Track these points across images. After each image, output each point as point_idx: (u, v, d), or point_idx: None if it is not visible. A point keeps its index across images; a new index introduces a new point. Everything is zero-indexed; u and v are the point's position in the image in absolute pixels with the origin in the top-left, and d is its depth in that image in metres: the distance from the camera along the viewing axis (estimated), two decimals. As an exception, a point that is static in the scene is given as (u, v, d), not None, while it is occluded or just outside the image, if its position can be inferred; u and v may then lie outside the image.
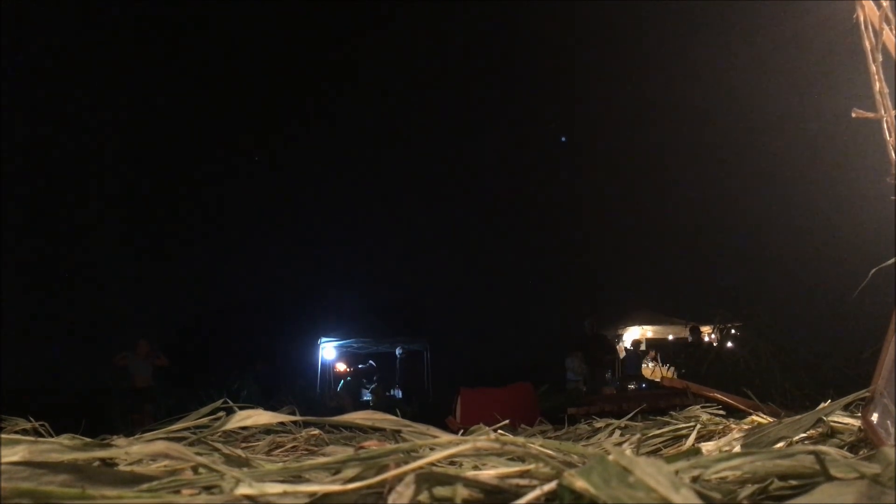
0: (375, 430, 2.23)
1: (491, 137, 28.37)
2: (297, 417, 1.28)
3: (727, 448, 1.67)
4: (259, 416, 1.23)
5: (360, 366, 18.78)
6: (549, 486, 0.79)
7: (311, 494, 0.82)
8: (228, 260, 24.83)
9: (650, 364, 16.69)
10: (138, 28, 22.62)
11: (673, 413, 2.74)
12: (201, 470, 1.01)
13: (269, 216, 27.16)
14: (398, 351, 17.93)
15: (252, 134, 25.90)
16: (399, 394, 17.52)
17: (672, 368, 12.79)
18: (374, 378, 18.46)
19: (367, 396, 17.42)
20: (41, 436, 1.93)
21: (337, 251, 27.38)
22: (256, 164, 26.72)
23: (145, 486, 0.86)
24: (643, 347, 18.02)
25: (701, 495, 0.68)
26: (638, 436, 2.11)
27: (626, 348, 18.46)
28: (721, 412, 2.59)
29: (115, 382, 11.89)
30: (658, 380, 12.30)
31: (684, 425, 2.18)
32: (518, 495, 0.79)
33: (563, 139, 27.47)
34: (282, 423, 2.33)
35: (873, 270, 2.02)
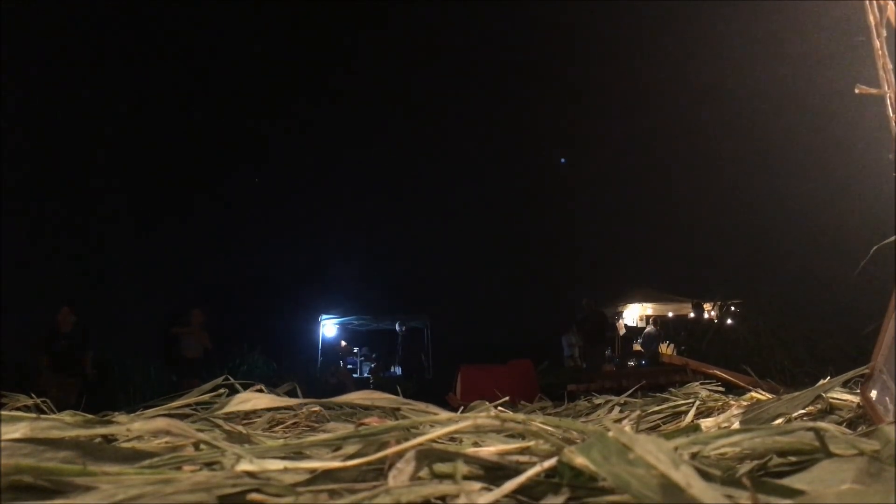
0: (377, 408, 2.24)
1: (489, 121, 28.26)
2: (296, 400, 1.28)
3: (726, 425, 1.67)
4: (258, 400, 1.23)
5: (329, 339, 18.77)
6: (549, 463, 0.79)
7: (312, 471, 0.82)
8: (229, 238, 24.81)
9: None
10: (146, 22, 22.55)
11: (672, 390, 2.75)
12: (202, 446, 1.01)
13: (271, 195, 27.12)
14: (398, 326, 17.90)
15: (253, 116, 25.82)
16: (399, 371, 17.55)
17: (672, 345, 12.84)
18: (356, 350, 18.52)
19: (366, 373, 17.54)
20: (42, 412, 1.94)
21: (338, 228, 27.36)
22: (257, 145, 26.65)
23: (146, 462, 0.87)
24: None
25: (700, 472, 0.68)
26: (637, 412, 2.12)
27: (626, 325, 18.53)
28: (720, 389, 2.60)
29: (166, 353, 11.66)
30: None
31: (684, 402, 2.19)
32: (518, 472, 0.79)
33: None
34: (282, 400, 2.34)
35: (875, 248, 2.02)
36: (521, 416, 1.01)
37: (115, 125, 22.17)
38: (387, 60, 27.04)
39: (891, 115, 1.91)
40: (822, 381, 1.87)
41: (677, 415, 2.05)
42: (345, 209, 27.78)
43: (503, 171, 28.21)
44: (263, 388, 2.38)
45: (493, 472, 0.85)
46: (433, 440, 0.88)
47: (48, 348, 9.54)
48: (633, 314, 19.33)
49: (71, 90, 20.66)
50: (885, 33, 1.95)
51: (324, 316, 19.18)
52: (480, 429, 0.97)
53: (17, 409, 2.05)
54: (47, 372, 9.33)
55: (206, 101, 24.99)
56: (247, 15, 24.48)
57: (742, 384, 3.57)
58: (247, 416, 2.20)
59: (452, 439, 1.16)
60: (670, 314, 18.87)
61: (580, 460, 0.73)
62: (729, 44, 18.84)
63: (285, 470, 0.81)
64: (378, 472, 0.83)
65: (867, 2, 1.98)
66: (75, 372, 9.53)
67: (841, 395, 1.75)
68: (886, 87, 1.92)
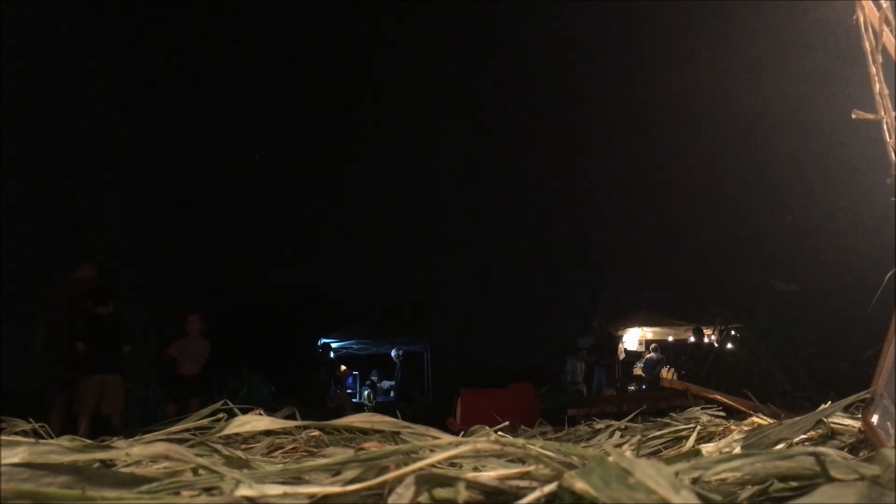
0: (376, 431, 2.23)
1: (491, 136, 28.41)
2: (295, 423, 1.28)
3: (727, 449, 1.66)
4: (258, 422, 1.23)
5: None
6: (550, 488, 0.79)
7: (312, 496, 0.82)
8: (229, 260, 24.79)
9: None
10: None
11: (673, 414, 2.73)
12: (201, 471, 1.01)
13: (271, 216, 27.16)
14: (394, 353, 17.87)
15: (253, 133, 25.93)
16: (392, 396, 17.49)
17: (672, 370, 12.82)
18: (355, 373, 18.52)
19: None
20: (41, 437, 1.93)
21: (338, 251, 27.41)
22: (257, 163, 26.75)
23: (145, 487, 0.86)
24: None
25: (701, 497, 0.68)
26: (638, 437, 2.11)
27: (626, 349, 18.48)
28: (721, 413, 2.59)
29: (159, 374, 10.21)
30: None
31: (684, 427, 2.18)
32: (518, 497, 0.79)
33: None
34: (282, 425, 2.33)
35: (889, 274, 2.03)
36: (520, 441, 1.00)
37: (113, 127, 22.19)
38: (387, 67, 27.17)
39: (888, 139, 1.92)
40: (823, 406, 1.87)
41: (678, 440, 2.04)
42: (346, 232, 27.86)
43: (503, 193, 28.33)
44: (262, 412, 2.38)
45: (493, 497, 0.84)
46: (433, 465, 0.88)
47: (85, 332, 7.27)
48: (633, 338, 19.30)
49: (69, 90, 20.71)
50: (880, 59, 1.97)
51: (323, 340, 19.16)
52: (480, 453, 0.97)
53: (16, 433, 2.04)
54: (87, 368, 7.25)
55: (207, 114, 25.07)
56: (247, 21, 24.60)
57: (743, 409, 3.55)
58: (245, 441, 2.19)
59: (452, 464, 1.16)
60: (670, 338, 18.84)
61: (580, 485, 0.73)
62: (728, 66, 18.99)
63: (284, 495, 0.81)
64: (378, 496, 0.83)
65: (863, 28, 2.01)
66: (118, 367, 7.50)
67: (842, 420, 1.75)
68: (883, 113, 1.94)
